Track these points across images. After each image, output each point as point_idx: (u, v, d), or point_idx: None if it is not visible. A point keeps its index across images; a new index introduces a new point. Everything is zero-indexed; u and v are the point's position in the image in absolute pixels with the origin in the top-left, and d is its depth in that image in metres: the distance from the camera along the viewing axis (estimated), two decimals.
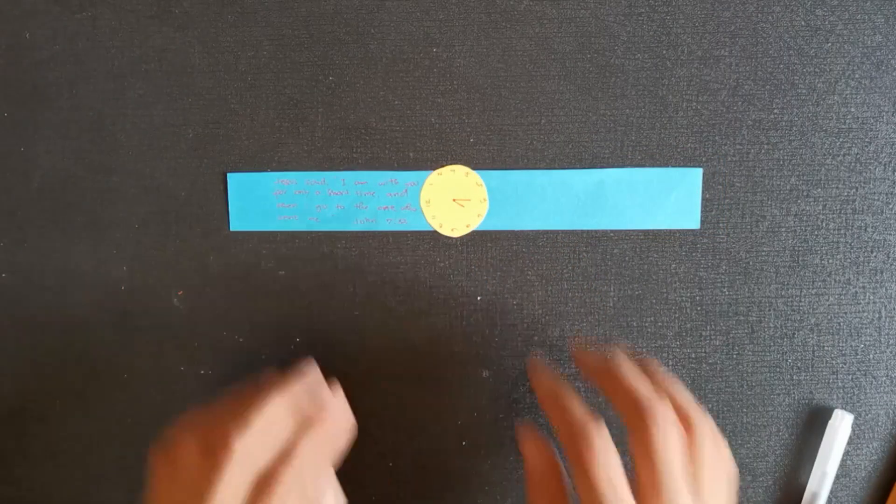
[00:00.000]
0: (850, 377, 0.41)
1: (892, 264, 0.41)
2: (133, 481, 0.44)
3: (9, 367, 0.44)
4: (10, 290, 0.43)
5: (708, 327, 0.41)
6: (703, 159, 0.40)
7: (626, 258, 0.41)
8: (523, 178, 0.40)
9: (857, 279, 0.41)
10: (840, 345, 0.41)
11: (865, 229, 0.40)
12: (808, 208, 0.40)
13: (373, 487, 0.43)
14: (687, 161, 0.40)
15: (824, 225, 0.41)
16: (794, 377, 0.41)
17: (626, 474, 0.30)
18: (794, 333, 0.41)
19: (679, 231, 0.41)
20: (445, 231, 0.41)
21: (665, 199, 0.40)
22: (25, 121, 0.42)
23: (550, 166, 0.41)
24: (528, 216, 0.41)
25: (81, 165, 0.42)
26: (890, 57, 0.39)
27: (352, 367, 0.42)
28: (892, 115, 0.40)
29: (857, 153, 0.40)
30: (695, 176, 0.40)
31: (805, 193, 0.40)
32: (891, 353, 0.41)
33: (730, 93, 0.40)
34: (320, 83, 0.41)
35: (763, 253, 0.41)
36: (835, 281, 0.41)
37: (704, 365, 0.42)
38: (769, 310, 0.41)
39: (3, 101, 0.42)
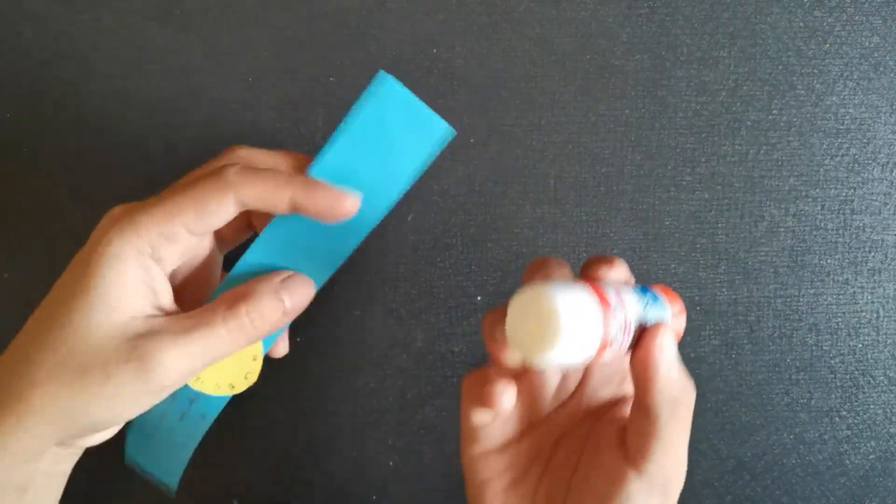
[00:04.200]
0: (848, 377, 0.42)
1: (889, 264, 0.41)
2: (134, 481, 0.44)
3: None
4: (12, 290, 0.43)
5: (707, 327, 0.42)
6: (703, 159, 0.40)
7: (626, 258, 0.41)
8: None
9: (856, 279, 0.41)
10: (838, 345, 0.41)
11: (864, 229, 0.41)
12: (806, 208, 0.41)
13: (374, 487, 0.43)
14: (686, 162, 0.40)
15: (823, 225, 0.41)
16: (793, 377, 0.42)
17: None
18: (792, 333, 0.41)
19: (679, 231, 0.41)
20: None
21: None
22: (27, 122, 0.42)
23: (550, 166, 0.41)
24: None
25: (83, 166, 0.42)
26: (888, 58, 0.40)
27: (352, 367, 0.42)
28: (890, 115, 0.40)
29: (856, 154, 0.40)
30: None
31: (804, 194, 0.41)
32: (889, 352, 0.41)
33: (729, 93, 0.40)
34: (320, 83, 0.41)
35: (762, 253, 0.41)
36: (833, 281, 0.41)
37: (704, 364, 0.42)
38: (768, 309, 0.41)
39: (6, 102, 0.42)
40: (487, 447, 0.31)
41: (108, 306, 0.27)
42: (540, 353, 0.24)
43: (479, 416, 0.30)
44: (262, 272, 0.31)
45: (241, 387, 0.32)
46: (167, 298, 0.29)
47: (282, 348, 0.35)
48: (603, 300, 0.24)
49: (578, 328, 0.23)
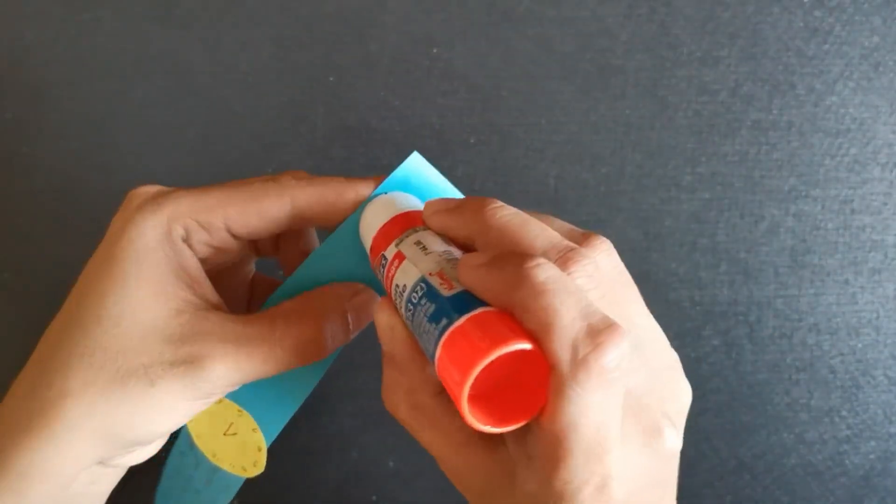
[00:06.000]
0: (848, 377, 0.42)
1: (889, 264, 0.41)
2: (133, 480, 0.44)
3: (10, 368, 0.44)
4: (12, 290, 0.43)
5: (707, 327, 0.42)
6: (703, 159, 0.40)
7: (626, 258, 0.41)
8: None
9: (856, 279, 0.41)
10: (838, 344, 0.41)
11: (864, 229, 0.41)
12: (806, 208, 0.41)
13: (373, 487, 0.43)
14: (686, 162, 0.40)
15: (823, 225, 0.41)
16: (793, 377, 0.42)
17: None
18: (792, 333, 0.41)
19: (679, 231, 0.41)
20: None
21: None
22: (28, 121, 0.42)
23: (550, 166, 0.41)
24: None
25: (83, 166, 0.42)
26: (887, 58, 0.40)
27: (352, 366, 0.42)
28: (890, 115, 0.40)
29: (856, 154, 0.40)
30: None
31: (804, 194, 0.41)
32: (889, 352, 0.41)
33: (729, 93, 0.40)
34: (320, 83, 0.41)
35: (762, 253, 0.41)
36: (833, 281, 0.41)
37: (704, 365, 0.42)
38: (768, 309, 0.41)
39: (6, 102, 0.42)
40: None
41: (148, 299, 0.24)
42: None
43: None
44: (330, 280, 0.28)
45: (251, 472, 0.31)
46: (209, 287, 0.26)
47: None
48: (398, 222, 0.26)
49: (369, 213, 0.27)
